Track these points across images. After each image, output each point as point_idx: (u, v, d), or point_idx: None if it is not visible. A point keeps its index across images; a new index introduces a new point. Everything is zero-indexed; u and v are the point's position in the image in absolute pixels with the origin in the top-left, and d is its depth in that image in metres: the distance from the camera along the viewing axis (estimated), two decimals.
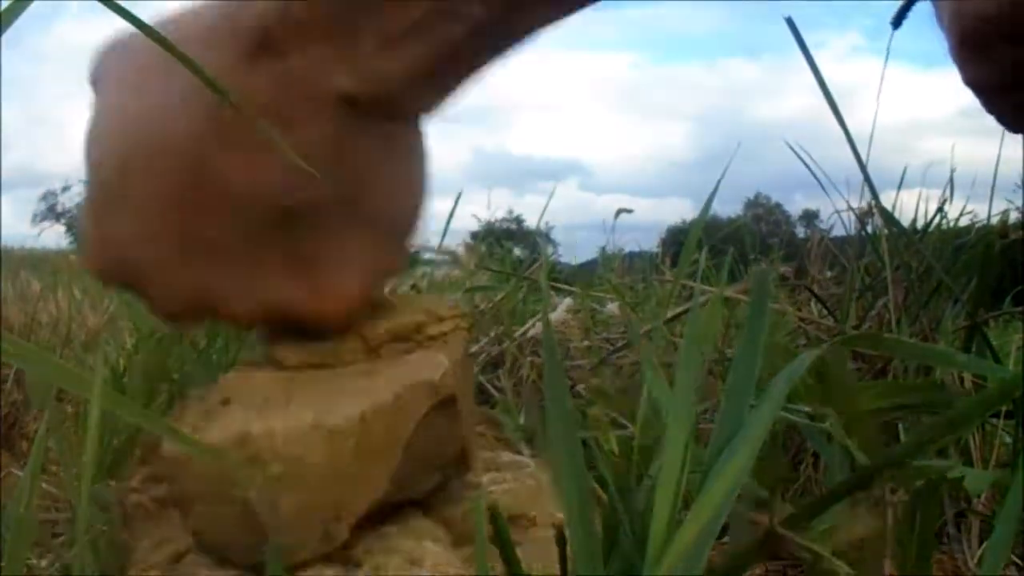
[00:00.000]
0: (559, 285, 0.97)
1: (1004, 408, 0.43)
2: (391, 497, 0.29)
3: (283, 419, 0.28)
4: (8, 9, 0.20)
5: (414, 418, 0.29)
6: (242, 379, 0.33)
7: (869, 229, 0.70)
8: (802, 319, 0.64)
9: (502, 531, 0.23)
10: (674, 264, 1.02)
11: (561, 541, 0.25)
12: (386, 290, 0.37)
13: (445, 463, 0.33)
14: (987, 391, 0.28)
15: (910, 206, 0.73)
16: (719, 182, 0.66)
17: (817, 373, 0.29)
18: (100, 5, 0.22)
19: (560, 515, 0.28)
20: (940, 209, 0.70)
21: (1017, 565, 0.37)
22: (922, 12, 0.63)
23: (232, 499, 0.26)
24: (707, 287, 0.67)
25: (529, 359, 0.71)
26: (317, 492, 0.27)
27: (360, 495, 0.28)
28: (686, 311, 0.68)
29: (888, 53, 0.68)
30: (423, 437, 0.30)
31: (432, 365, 0.31)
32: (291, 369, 0.34)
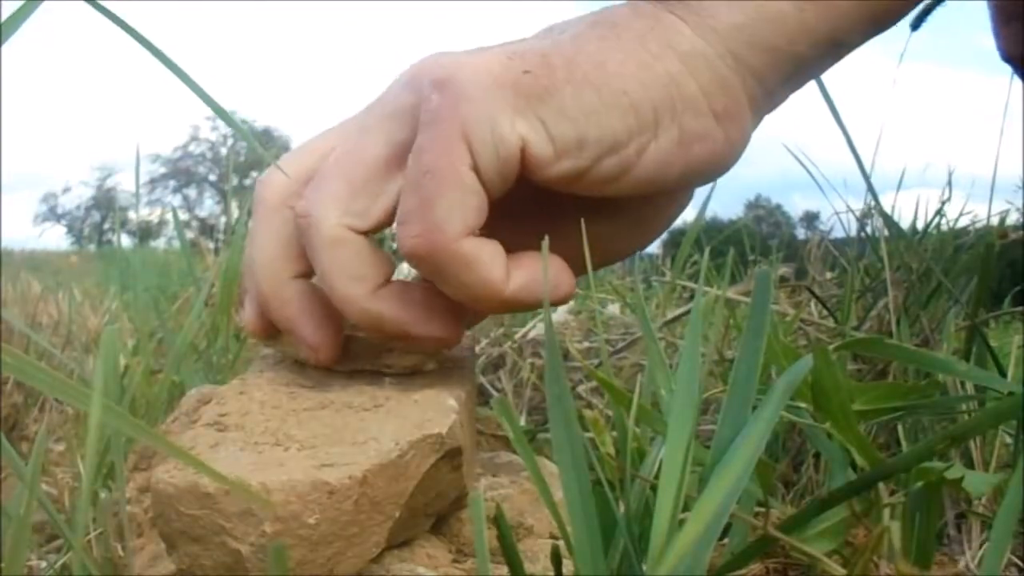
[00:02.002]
0: None
1: None
2: (385, 545, 0.29)
3: (280, 468, 0.27)
4: (11, 18, 0.21)
5: (418, 474, 0.29)
6: (241, 397, 0.33)
7: (868, 230, 0.70)
8: (802, 320, 0.64)
9: (506, 537, 0.23)
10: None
11: (557, 559, 0.25)
12: None
13: (443, 508, 0.32)
14: (990, 408, 0.28)
15: (910, 207, 0.73)
16: (713, 187, 0.66)
17: (810, 379, 0.29)
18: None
19: (556, 526, 0.28)
20: (939, 210, 0.70)
21: (1017, 566, 0.37)
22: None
23: (223, 547, 0.26)
24: (708, 288, 0.67)
25: (529, 360, 0.71)
26: (312, 550, 0.26)
27: (356, 553, 0.27)
28: (687, 312, 0.68)
29: (903, 55, 0.68)
30: (425, 488, 0.29)
31: (442, 413, 0.30)
32: (292, 385, 0.34)
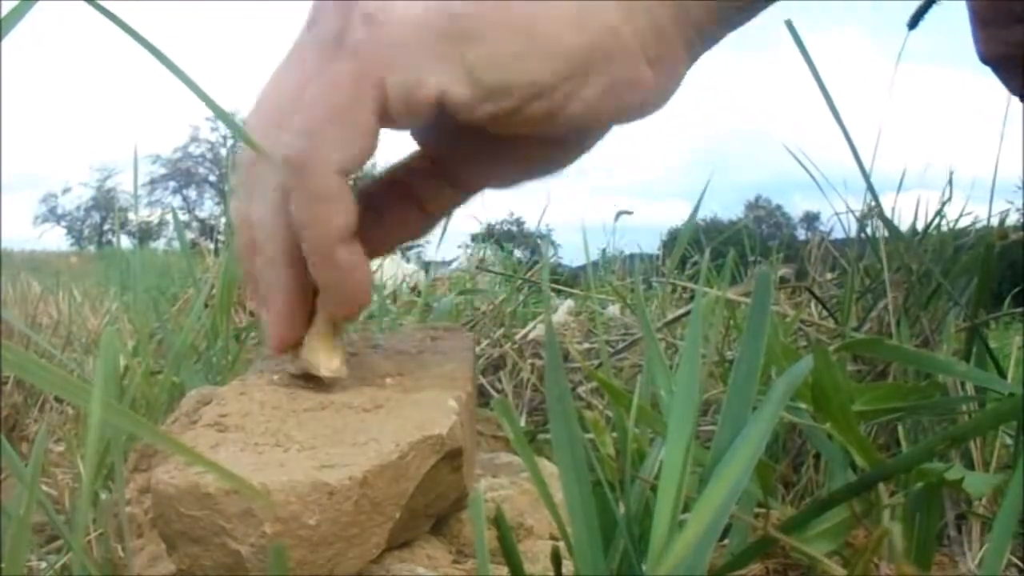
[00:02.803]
0: (560, 287, 0.97)
1: None
2: (385, 546, 0.29)
3: (281, 469, 0.27)
4: (10, 14, 0.21)
5: (418, 475, 0.29)
6: (242, 398, 0.33)
7: (869, 231, 0.70)
8: (802, 321, 0.63)
9: (506, 537, 0.23)
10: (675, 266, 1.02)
11: (557, 559, 0.25)
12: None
13: (444, 509, 0.32)
14: (990, 409, 0.28)
15: (910, 207, 0.73)
16: (707, 185, 0.66)
17: (810, 379, 0.29)
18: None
19: (556, 527, 0.28)
20: (940, 211, 0.70)
21: (1017, 567, 0.37)
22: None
23: (223, 548, 0.26)
24: (708, 289, 0.67)
25: (530, 361, 0.71)
26: (312, 551, 0.26)
27: (356, 554, 0.27)
28: (687, 313, 0.68)
29: (901, 55, 0.68)
30: (425, 489, 0.29)
31: (443, 413, 0.30)
32: (292, 386, 0.34)
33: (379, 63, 0.31)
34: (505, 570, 0.25)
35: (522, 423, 0.63)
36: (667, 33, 0.34)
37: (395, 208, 0.38)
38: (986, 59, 0.53)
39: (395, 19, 0.31)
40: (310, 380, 0.35)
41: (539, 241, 1.10)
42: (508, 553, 0.24)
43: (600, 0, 0.33)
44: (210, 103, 0.25)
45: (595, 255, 1.30)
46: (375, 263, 0.45)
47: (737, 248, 1.01)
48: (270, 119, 0.34)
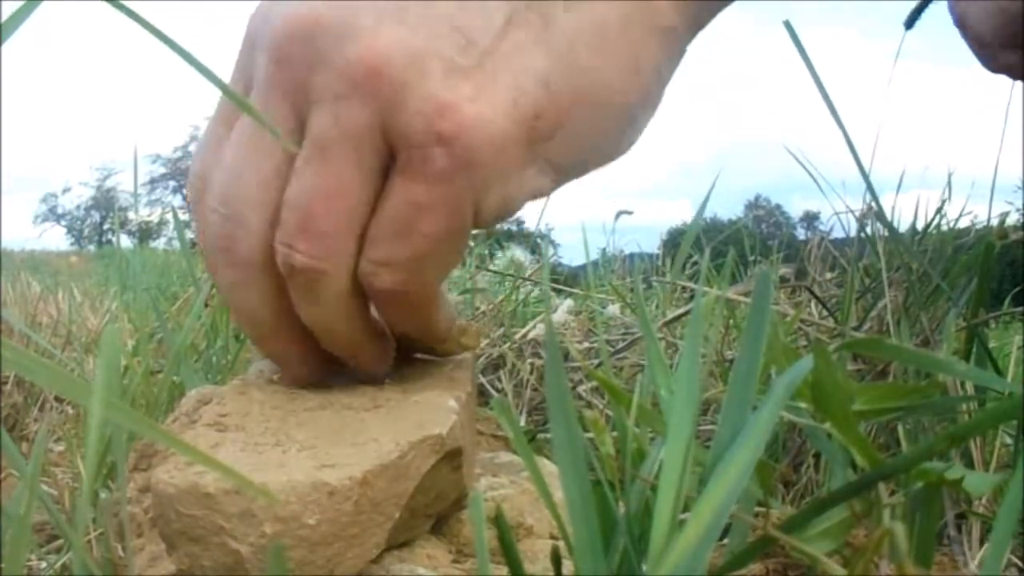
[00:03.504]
0: (560, 287, 0.97)
1: None
2: (385, 546, 0.29)
3: (281, 469, 0.27)
4: (12, 17, 0.20)
5: (418, 475, 0.29)
6: (242, 397, 0.33)
7: (868, 231, 0.70)
8: (802, 320, 0.64)
9: (506, 537, 0.23)
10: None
11: (557, 559, 0.25)
12: None
13: (444, 508, 0.32)
14: (990, 408, 0.28)
15: (910, 208, 0.73)
16: (711, 188, 0.66)
17: (810, 379, 0.29)
18: (100, 7, 0.22)
19: (556, 526, 0.28)
20: (939, 210, 0.70)
21: (1017, 566, 0.37)
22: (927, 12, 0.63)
23: (223, 548, 0.26)
24: (708, 288, 0.67)
25: (529, 361, 0.71)
26: (311, 551, 0.26)
27: (356, 554, 0.27)
28: (687, 312, 0.68)
29: (898, 54, 0.68)
30: (425, 488, 0.29)
31: (443, 413, 0.30)
32: (291, 385, 0.34)
33: (470, 187, 0.30)
34: (505, 570, 0.25)
35: (522, 423, 0.64)
36: (681, 51, 0.35)
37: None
38: (994, 71, 0.54)
39: (479, 141, 0.29)
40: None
41: (539, 241, 1.10)
42: (508, 553, 0.24)
43: (644, 39, 0.32)
44: (220, 85, 0.25)
45: (595, 255, 1.31)
46: None
47: (737, 248, 1.01)
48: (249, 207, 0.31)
